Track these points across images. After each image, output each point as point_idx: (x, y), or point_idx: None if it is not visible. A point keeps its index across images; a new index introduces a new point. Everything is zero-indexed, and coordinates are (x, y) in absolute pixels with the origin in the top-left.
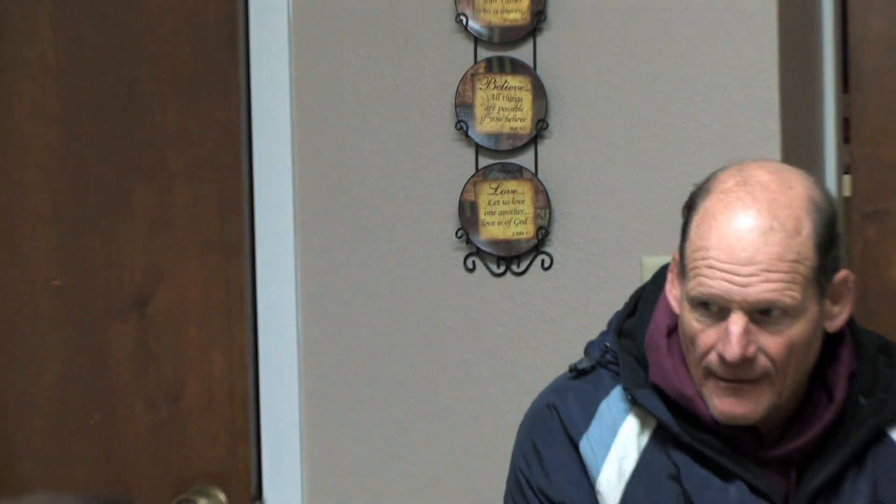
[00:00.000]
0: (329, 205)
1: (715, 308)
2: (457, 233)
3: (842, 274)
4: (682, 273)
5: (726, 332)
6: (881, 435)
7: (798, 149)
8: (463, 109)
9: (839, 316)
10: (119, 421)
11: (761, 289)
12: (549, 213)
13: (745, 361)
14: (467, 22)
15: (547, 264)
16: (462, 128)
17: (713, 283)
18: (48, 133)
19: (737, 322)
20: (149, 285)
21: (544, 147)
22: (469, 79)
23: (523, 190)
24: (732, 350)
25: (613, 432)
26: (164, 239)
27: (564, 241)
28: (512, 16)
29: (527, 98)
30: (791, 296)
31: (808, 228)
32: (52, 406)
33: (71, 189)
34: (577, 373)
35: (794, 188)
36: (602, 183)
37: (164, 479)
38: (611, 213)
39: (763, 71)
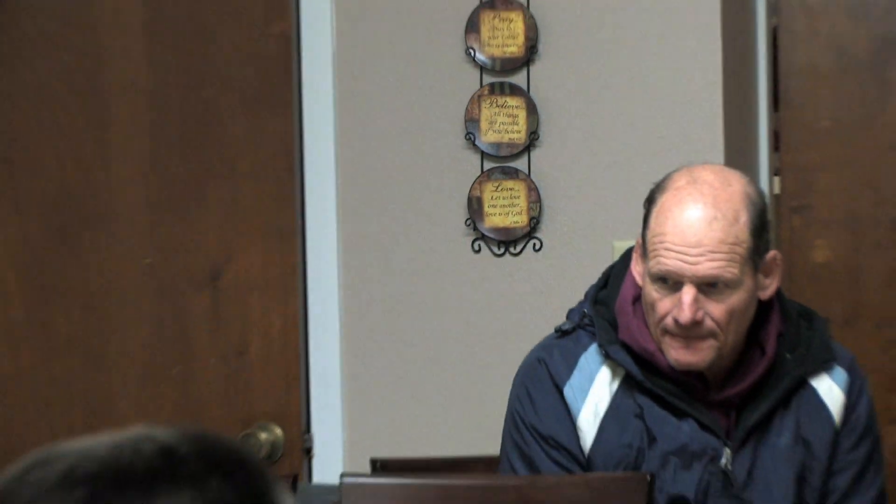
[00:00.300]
0: (364, 199)
1: (670, 281)
2: (466, 221)
3: (771, 254)
4: (644, 254)
5: (680, 301)
6: (803, 383)
7: (737, 155)
8: (471, 123)
9: (769, 287)
10: (196, 371)
11: (707, 266)
12: (540, 207)
13: (695, 323)
14: (475, 54)
15: (538, 247)
16: (470, 138)
17: (669, 262)
18: (141, 141)
19: (688, 293)
20: (220, 263)
21: (536, 154)
22: (476, 99)
23: (519, 188)
24: (685, 315)
25: (591, 380)
26: (233, 226)
27: (551, 228)
28: (510, 49)
29: (522, 115)
30: (731, 272)
31: (744, 218)
32: (144, 359)
33: (159, 186)
34: (561, 333)
35: (733, 186)
36: (581, 182)
37: (232, 418)
38: (588, 206)
39: (710, 94)
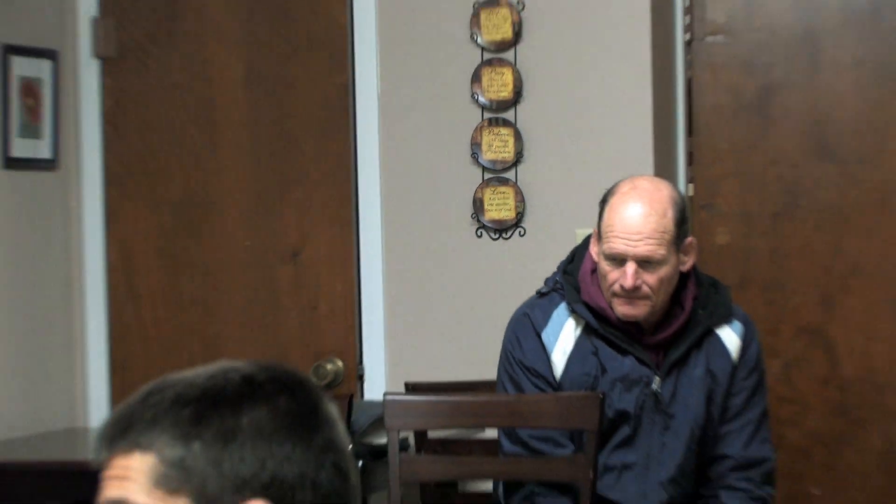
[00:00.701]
0: (400, 200)
1: (618, 259)
2: (471, 215)
3: (689, 239)
4: (599, 239)
5: (624, 272)
6: (711, 331)
7: (663, 169)
8: (475, 146)
9: (687, 263)
10: (282, 321)
11: (644, 249)
12: (524, 205)
13: (635, 288)
14: (478, 98)
15: (522, 234)
16: (475, 156)
17: (617, 245)
18: (242, 159)
19: (630, 267)
20: (299, 245)
21: (521, 167)
22: (479, 129)
23: (508, 192)
24: (628, 282)
25: (560, 328)
26: (307, 219)
27: (532, 220)
28: (503, 94)
29: (510, 140)
30: (660, 252)
31: (670, 213)
32: (244, 313)
33: (255, 191)
34: (540, 294)
35: (662, 191)
36: (553, 187)
37: (308, 354)
38: (558, 204)
39: (643, 126)
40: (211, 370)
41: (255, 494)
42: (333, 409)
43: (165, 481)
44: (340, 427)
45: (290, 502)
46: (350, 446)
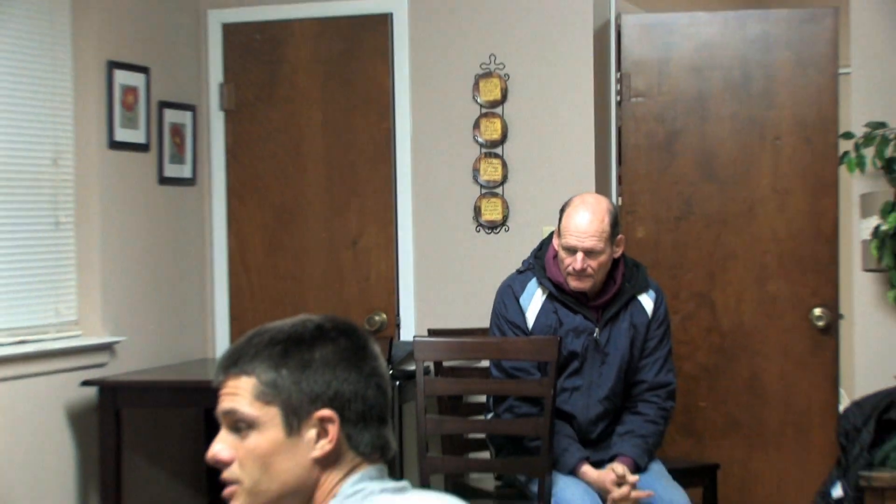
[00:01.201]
0: (425, 207)
1: (571, 250)
2: (472, 217)
3: (619, 236)
4: (559, 235)
5: (575, 259)
6: (633, 297)
7: (602, 187)
8: (475, 171)
9: (618, 251)
10: (346, 288)
11: (588, 243)
12: (508, 210)
13: (582, 270)
14: (477, 138)
15: (507, 230)
16: (475, 178)
17: (570, 241)
18: (320, 177)
19: (579, 256)
20: (357, 236)
21: (506, 185)
22: (478, 160)
23: (498, 202)
24: (578, 266)
25: (532, 295)
26: (362, 219)
27: (514, 221)
28: (494, 136)
29: (500, 167)
30: (600, 246)
31: (607, 219)
32: (320, 282)
33: (328, 199)
34: (519, 272)
35: (601, 203)
36: (527, 198)
37: (362, 310)
38: (531, 210)
39: (587, 157)
40: (294, 320)
41: (324, 405)
42: (377, 347)
43: (262, 396)
44: (382, 360)
45: (347, 411)
46: (390, 372)
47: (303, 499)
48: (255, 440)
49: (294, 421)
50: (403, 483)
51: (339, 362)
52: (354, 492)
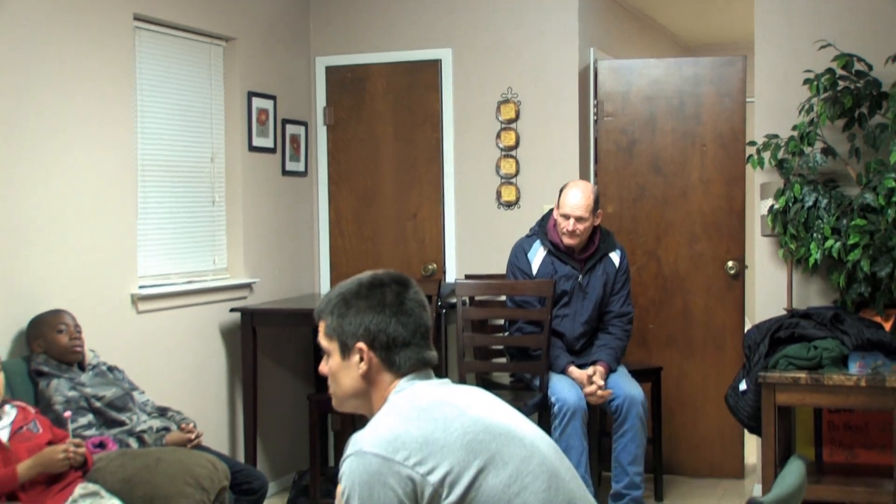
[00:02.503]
0: (463, 191)
1: (566, 217)
2: (495, 199)
3: (599, 210)
4: (558, 206)
5: (569, 223)
6: (606, 254)
7: (584, 177)
8: (497, 167)
9: (598, 221)
10: (409, 247)
11: (578, 212)
12: (520, 194)
13: (573, 231)
14: (499, 145)
15: (519, 207)
16: (497, 171)
17: (565, 210)
18: (390, 169)
19: (572, 220)
20: (416, 210)
21: (518, 177)
22: (499, 160)
23: (513, 188)
24: (570, 228)
25: (536, 251)
26: (421, 198)
27: (524, 201)
28: (511, 143)
29: (514, 164)
30: (586, 215)
31: (591, 197)
32: (391, 243)
33: (396, 186)
34: (528, 235)
35: (588, 187)
36: (533, 186)
37: (418, 264)
38: (536, 193)
39: (573, 159)
40: (354, 278)
41: (359, 340)
42: (413, 293)
43: (328, 334)
44: (412, 303)
45: (376, 342)
46: (438, 304)
47: (364, 401)
48: (329, 362)
49: (345, 350)
50: (445, 380)
51: (367, 309)
52: (402, 388)
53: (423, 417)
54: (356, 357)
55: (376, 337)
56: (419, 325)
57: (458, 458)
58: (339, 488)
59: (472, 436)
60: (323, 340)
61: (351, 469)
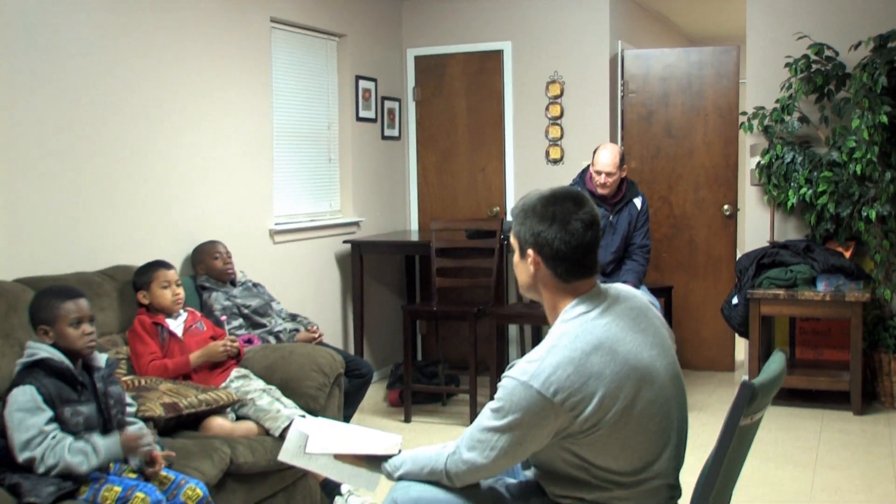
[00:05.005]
0: (520, 152)
1: (599, 172)
2: (545, 157)
3: (625, 165)
4: (593, 164)
5: (601, 176)
6: (630, 200)
7: (613, 141)
8: (546, 132)
9: (624, 173)
10: (478, 193)
11: (608, 168)
12: (563, 153)
13: (604, 182)
14: (547, 115)
15: (563, 164)
16: (546, 136)
17: (598, 167)
18: (465, 136)
19: (603, 175)
20: (484, 165)
21: (563, 140)
22: (548, 127)
23: (558, 149)
24: (602, 181)
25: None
26: (486, 158)
27: (567, 159)
28: (556, 114)
29: (560, 130)
30: (614, 170)
31: (618, 156)
32: (462, 190)
33: (469, 147)
34: (572, 183)
35: (616, 148)
36: (574, 146)
37: (486, 205)
38: (576, 152)
39: (604, 126)
40: (542, 190)
41: (530, 246)
42: (593, 213)
43: (513, 236)
44: (577, 223)
45: (543, 249)
46: (501, 237)
47: (536, 294)
48: (514, 258)
49: (522, 251)
50: (602, 306)
51: (539, 222)
52: (569, 318)
53: (582, 363)
54: (528, 259)
55: (543, 246)
56: (581, 242)
57: (603, 404)
58: (495, 399)
59: (618, 383)
60: (511, 237)
61: (514, 393)
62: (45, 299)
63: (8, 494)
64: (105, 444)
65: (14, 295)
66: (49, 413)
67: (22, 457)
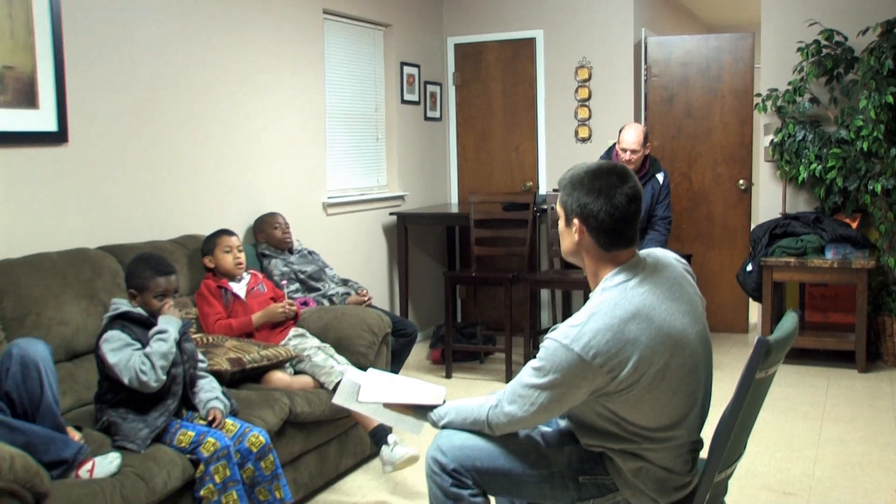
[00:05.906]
0: (551, 131)
1: (624, 150)
2: (574, 136)
3: (648, 143)
4: (619, 142)
5: (626, 153)
6: (653, 175)
7: (637, 121)
8: (575, 113)
9: (647, 151)
10: (514, 168)
11: (633, 147)
12: (591, 132)
13: (629, 160)
14: (577, 97)
15: (591, 142)
16: (575, 116)
17: (623, 144)
18: (500, 118)
19: (629, 152)
20: (518, 144)
21: (591, 121)
22: (576, 108)
23: (586, 129)
24: (627, 158)
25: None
26: (520, 137)
27: (594, 138)
28: (585, 96)
29: (588, 111)
30: (638, 148)
31: (642, 135)
32: (500, 164)
33: (504, 127)
34: (601, 158)
35: (640, 127)
36: (601, 126)
37: (521, 180)
38: (603, 132)
39: (629, 109)
40: (590, 163)
41: (576, 216)
42: (637, 188)
43: (560, 205)
44: (622, 198)
45: (588, 220)
46: (534, 209)
47: (579, 260)
48: (559, 225)
49: (567, 220)
50: (639, 279)
51: (585, 193)
52: (610, 286)
53: (620, 330)
54: (574, 227)
55: (588, 217)
56: (624, 215)
57: (638, 368)
58: (537, 358)
59: (652, 349)
60: (557, 206)
61: (555, 354)
62: (141, 269)
63: (103, 435)
64: (163, 322)
65: (97, 261)
66: (137, 345)
67: (128, 379)
